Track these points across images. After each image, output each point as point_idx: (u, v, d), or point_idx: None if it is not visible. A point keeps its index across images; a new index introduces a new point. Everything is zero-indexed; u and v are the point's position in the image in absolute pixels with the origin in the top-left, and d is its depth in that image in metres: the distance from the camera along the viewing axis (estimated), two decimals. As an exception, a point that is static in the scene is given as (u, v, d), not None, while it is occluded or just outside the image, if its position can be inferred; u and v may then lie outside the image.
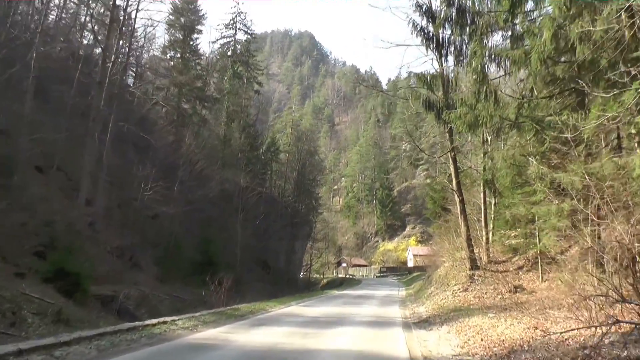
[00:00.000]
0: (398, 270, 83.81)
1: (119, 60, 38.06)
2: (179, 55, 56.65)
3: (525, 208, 15.12)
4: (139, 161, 38.59)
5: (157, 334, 10.17)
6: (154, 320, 11.51)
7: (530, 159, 15.44)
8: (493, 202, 22.37)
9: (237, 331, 11.77)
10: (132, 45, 39.67)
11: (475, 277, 18.84)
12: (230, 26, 69.86)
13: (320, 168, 79.01)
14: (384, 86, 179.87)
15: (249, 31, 70.65)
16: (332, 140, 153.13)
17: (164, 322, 11.58)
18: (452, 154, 20.83)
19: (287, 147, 73.51)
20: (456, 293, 18.46)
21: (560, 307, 13.24)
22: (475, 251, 20.34)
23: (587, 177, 11.57)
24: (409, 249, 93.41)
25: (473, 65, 14.51)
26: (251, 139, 68.45)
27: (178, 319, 12.48)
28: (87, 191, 30.03)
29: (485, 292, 17.46)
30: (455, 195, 20.92)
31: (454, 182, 20.74)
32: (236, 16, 68.89)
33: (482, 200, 21.96)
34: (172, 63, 56.98)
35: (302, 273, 77.30)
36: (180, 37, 57.07)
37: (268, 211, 61.38)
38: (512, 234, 19.78)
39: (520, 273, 18.55)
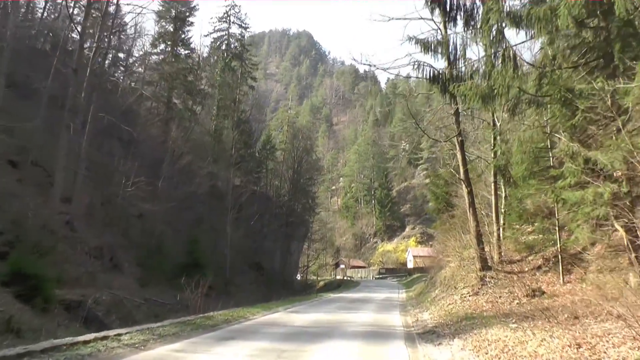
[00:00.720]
0: (397, 272, 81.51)
1: (101, 47, 35.65)
2: (169, 49, 54.34)
3: (553, 194, 12.66)
4: (123, 156, 36.39)
5: (84, 356, 7.72)
6: (90, 336, 9.00)
7: (559, 135, 12.98)
8: (504, 195, 19.80)
9: (197, 348, 9.30)
10: (113, 30, 37.13)
11: (487, 279, 16.32)
12: (224, 19, 67.43)
13: (317, 167, 76.55)
14: (383, 86, 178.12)
15: (243, 24, 68.20)
16: (330, 139, 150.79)
17: (104, 338, 9.08)
18: (459, 138, 18.23)
19: (283, 145, 71.18)
20: (465, 297, 15.95)
21: (596, 316, 10.85)
22: (485, 249, 17.83)
23: (635, 154, 9.18)
24: (408, 250, 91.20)
25: (489, 23, 12.08)
26: (245, 136, 66.35)
27: (125, 333, 9.96)
28: (63, 187, 27.75)
29: (499, 296, 14.99)
30: (463, 186, 18.34)
31: (461, 170, 18.17)
32: (230, 9, 66.51)
33: (492, 192, 19.41)
34: (162, 57, 54.74)
35: (298, 275, 74.88)
36: (171, 29, 54.84)
37: (262, 211, 59.13)
38: (528, 229, 17.27)
39: (538, 274, 16.08)
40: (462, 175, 17.91)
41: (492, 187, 19.07)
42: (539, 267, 16.31)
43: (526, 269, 16.64)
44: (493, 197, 18.92)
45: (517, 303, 14.13)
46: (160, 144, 38.59)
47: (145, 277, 31.62)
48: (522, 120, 15.25)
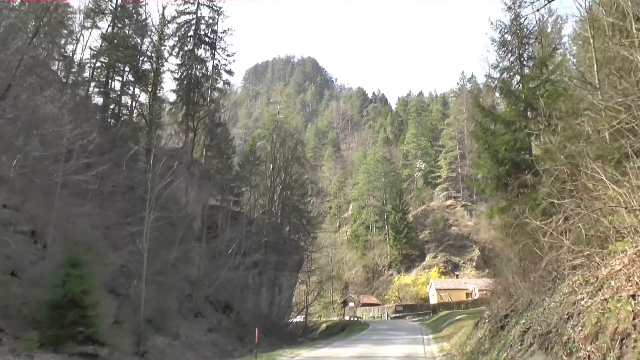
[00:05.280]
0: (418, 309, 66.11)
1: None
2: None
3: None
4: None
5: None
6: None
7: None
8: None
9: None
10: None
11: None
12: (191, 1, 54.33)
13: (314, 179, 62.20)
14: (394, 106, 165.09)
15: (215, 6, 54.96)
16: (337, 165, 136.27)
17: None
18: None
19: (270, 157, 56.89)
20: None
21: None
22: None
23: None
24: (430, 282, 76.54)
25: None
26: (220, 142, 53.16)
27: None
28: None
29: None
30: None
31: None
32: (199, -14, 53.48)
33: None
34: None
35: (297, 316, 59.71)
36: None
37: (241, 234, 44.63)
38: None
39: None
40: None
41: None
42: None
43: None
44: None
45: None
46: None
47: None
48: None
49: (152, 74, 40.35)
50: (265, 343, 39.98)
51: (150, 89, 39.57)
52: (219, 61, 53.05)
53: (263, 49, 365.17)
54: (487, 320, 14.21)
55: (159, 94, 40.33)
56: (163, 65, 41.59)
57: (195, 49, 51.23)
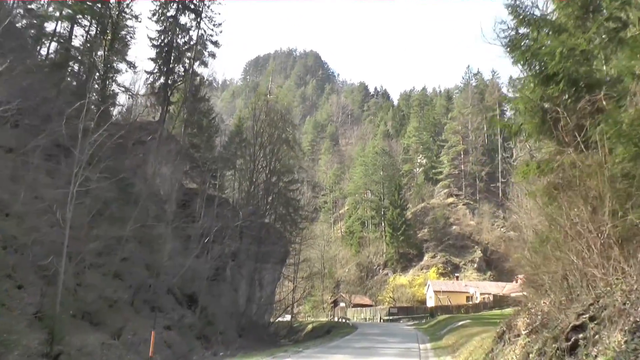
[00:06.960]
0: (414, 312, 60.81)
1: None
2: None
3: None
4: None
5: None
6: None
7: None
8: None
9: None
10: None
11: None
12: (175, -38, 49.04)
13: (305, 167, 56.79)
14: (396, 102, 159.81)
15: (201, -33, 49.75)
16: (334, 157, 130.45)
17: None
18: None
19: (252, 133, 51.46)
20: None
21: None
22: None
23: None
24: (428, 283, 71.40)
25: None
26: (200, 117, 48.49)
27: None
28: None
29: None
30: None
31: None
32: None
33: None
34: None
35: (277, 315, 54.39)
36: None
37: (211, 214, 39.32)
38: None
39: None
40: None
41: None
42: None
43: None
44: None
45: None
46: None
47: None
48: None
49: (110, 20, 34.70)
50: (237, 345, 34.73)
51: (107, 36, 33.91)
52: (204, 31, 48.24)
53: (265, 41, 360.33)
54: (523, 333, 8.91)
55: (117, 47, 34.52)
56: (125, 12, 35.88)
57: (178, 15, 46.42)
